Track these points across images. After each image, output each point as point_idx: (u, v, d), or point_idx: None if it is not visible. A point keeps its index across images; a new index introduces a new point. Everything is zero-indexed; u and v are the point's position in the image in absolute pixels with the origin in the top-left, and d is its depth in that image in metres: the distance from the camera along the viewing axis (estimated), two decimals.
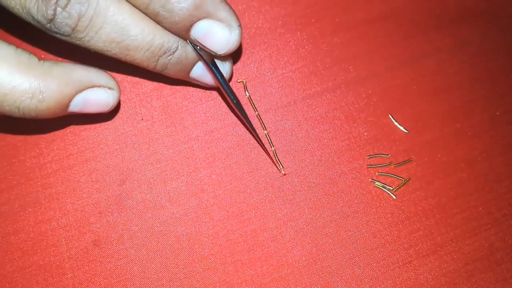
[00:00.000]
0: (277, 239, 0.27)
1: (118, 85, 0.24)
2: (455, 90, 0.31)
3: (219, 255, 0.27)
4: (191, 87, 0.30)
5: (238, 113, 0.27)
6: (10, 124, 0.28)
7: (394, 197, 0.28)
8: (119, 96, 0.24)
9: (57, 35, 0.21)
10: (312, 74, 0.31)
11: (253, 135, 0.29)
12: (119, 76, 0.30)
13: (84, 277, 0.26)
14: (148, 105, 0.29)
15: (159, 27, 0.22)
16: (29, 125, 0.28)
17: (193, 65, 0.25)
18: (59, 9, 0.20)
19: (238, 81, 0.30)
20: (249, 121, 0.26)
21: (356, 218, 0.28)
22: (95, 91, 0.23)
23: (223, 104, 0.30)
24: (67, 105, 0.22)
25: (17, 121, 0.28)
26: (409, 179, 0.29)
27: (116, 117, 0.29)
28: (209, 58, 0.25)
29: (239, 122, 0.29)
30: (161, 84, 0.30)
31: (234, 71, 0.30)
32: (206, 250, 0.27)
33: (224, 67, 0.26)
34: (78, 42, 0.21)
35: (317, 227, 0.27)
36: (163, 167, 0.28)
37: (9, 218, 0.27)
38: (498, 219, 0.29)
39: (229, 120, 0.29)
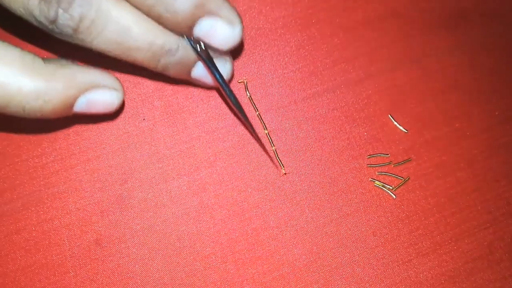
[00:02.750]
0: (277, 238, 0.27)
1: (122, 86, 0.25)
2: (454, 90, 0.31)
3: (220, 253, 0.27)
4: (193, 88, 0.30)
5: (238, 114, 0.27)
6: (13, 123, 0.29)
7: (394, 196, 0.29)
8: (123, 97, 0.25)
9: (60, 36, 0.21)
10: (313, 75, 0.31)
11: (253, 136, 0.29)
12: (121, 76, 0.30)
13: (86, 276, 0.26)
14: (150, 105, 0.29)
15: (160, 27, 0.22)
16: (32, 124, 0.28)
17: (194, 65, 0.25)
18: (61, 11, 0.20)
19: (239, 81, 0.30)
20: (249, 121, 0.27)
21: (356, 217, 0.28)
22: (99, 91, 0.23)
23: (224, 104, 0.30)
24: (72, 106, 0.23)
25: (21, 120, 0.29)
26: (409, 178, 0.29)
27: (118, 117, 0.29)
28: (209, 58, 0.25)
29: (239, 122, 0.29)
30: (162, 84, 0.30)
31: (235, 71, 0.31)
32: (207, 249, 0.27)
33: (225, 68, 0.27)
34: (80, 43, 0.22)
35: (318, 226, 0.28)
36: (164, 166, 0.28)
37: (12, 217, 0.27)
38: (497, 218, 0.29)
39: (230, 120, 0.30)
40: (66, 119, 0.24)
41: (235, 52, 0.31)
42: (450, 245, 0.28)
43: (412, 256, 0.28)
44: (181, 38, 0.23)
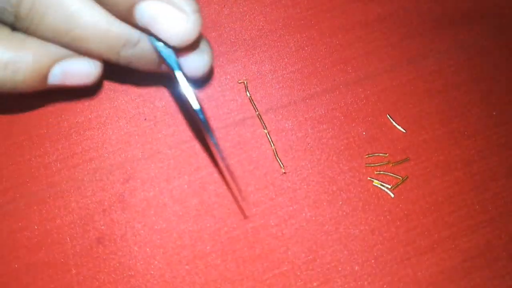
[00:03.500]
0: (277, 236, 0.28)
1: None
2: (452, 91, 0.32)
3: (221, 252, 0.27)
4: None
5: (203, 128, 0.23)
6: (16, 123, 0.29)
7: (392, 195, 0.29)
8: (102, 67, 0.22)
9: (5, 24, 0.20)
10: (312, 75, 0.31)
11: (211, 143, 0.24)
12: (122, 77, 0.30)
13: (88, 274, 0.26)
14: (151, 105, 0.30)
15: (112, 16, 0.20)
16: (34, 124, 0.29)
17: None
18: None
19: (239, 81, 0.31)
20: (213, 135, 0.23)
21: (355, 215, 0.28)
22: (75, 61, 0.21)
23: (225, 104, 0.30)
24: (45, 77, 0.21)
25: (23, 120, 0.29)
26: (407, 177, 0.29)
27: (119, 117, 0.29)
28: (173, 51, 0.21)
29: (240, 122, 0.30)
30: (163, 84, 0.30)
31: (235, 71, 0.31)
32: (208, 247, 0.27)
33: (202, 59, 0.22)
34: (26, 31, 0.20)
35: (317, 224, 0.28)
36: (165, 166, 0.29)
37: (15, 216, 0.27)
38: (495, 217, 0.29)
39: (230, 120, 0.30)
40: (46, 96, 0.23)
41: (235, 54, 0.31)
42: (448, 243, 0.28)
43: (410, 255, 0.28)
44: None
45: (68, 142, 0.29)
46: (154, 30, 0.19)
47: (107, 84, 0.30)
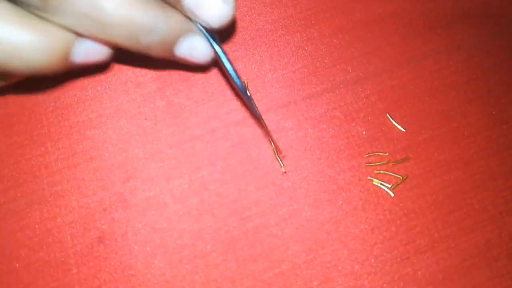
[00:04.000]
0: (277, 236, 0.28)
1: None
2: (452, 90, 0.32)
3: (221, 251, 0.27)
4: (194, 88, 0.30)
5: (240, 93, 0.26)
6: (16, 122, 0.29)
7: (392, 194, 0.29)
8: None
9: (30, 10, 0.20)
10: (312, 75, 0.31)
11: (255, 116, 0.28)
12: (123, 77, 0.30)
13: (89, 273, 0.26)
14: (152, 105, 0.30)
15: (138, 3, 0.21)
16: (35, 124, 0.29)
17: (177, 40, 0.23)
18: None
19: None
20: (250, 96, 0.26)
21: (355, 215, 0.28)
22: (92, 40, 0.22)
23: (225, 104, 0.30)
24: (69, 55, 0.22)
25: (24, 119, 0.29)
26: (407, 177, 0.29)
27: (120, 116, 0.30)
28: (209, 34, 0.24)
29: (240, 121, 0.30)
30: (164, 84, 0.30)
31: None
32: (208, 247, 0.27)
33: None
34: (52, 17, 0.20)
35: (317, 223, 0.28)
36: (166, 165, 0.29)
37: (15, 215, 0.27)
38: (494, 216, 0.29)
39: (230, 119, 0.30)
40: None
41: (235, 53, 0.31)
42: (447, 243, 0.28)
43: (410, 254, 0.28)
44: (161, 13, 0.22)
45: (68, 142, 0.29)
46: (199, 13, 0.22)
47: (107, 84, 0.30)
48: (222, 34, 0.32)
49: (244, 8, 0.32)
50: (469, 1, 0.34)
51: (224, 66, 0.25)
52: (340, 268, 0.27)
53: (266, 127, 0.28)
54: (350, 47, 0.32)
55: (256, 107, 0.30)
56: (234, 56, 0.31)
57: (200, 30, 0.24)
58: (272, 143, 0.29)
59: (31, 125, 0.29)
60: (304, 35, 0.32)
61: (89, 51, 0.23)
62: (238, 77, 0.25)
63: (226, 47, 0.31)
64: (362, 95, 0.31)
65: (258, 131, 0.30)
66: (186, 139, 0.29)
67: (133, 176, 0.28)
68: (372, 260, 0.28)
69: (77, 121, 0.29)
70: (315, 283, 0.27)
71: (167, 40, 0.23)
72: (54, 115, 0.29)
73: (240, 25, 0.32)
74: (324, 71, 0.31)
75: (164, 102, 0.30)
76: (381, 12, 0.33)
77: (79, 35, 0.22)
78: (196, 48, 0.24)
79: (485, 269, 0.28)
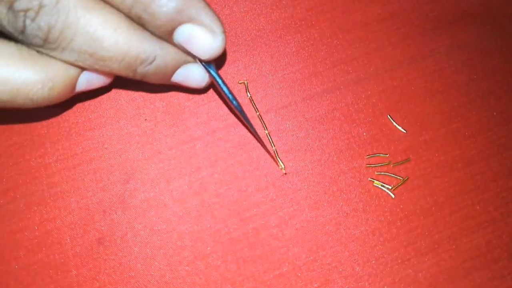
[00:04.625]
0: (278, 237, 0.28)
1: None
2: (453, 91, 0.32)
3: (221, 252, 0.27)
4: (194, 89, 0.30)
5: (238, 114, 0.27)
6: (16, 123, 0.29)
7: (393, 195, 0.29)
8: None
9: (32, 47, 0.21)
10: (312, 75, 0.31)
11: (253, 135, 0.29)
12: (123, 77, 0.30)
13: (89, 275, 0.26)
14: (152, 105, 0.30)
15: (134, 36, 0.22)
16: (34, 125, 0.29)
17: (174, 72, 0.25)
18: (28, 21, 0.20)
19: (239, 82, 0.31)
20: (248, 119, 0.27)
21: (356, 216, 0.28)
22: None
23: (225, 104, 0.30)
24: (74, 86, 0.23)
25: (23, 120, 0.29)
26: (408, 178, 0.29)
27: (120, 117, 0.29)
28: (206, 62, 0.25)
29: (240, 122, 0.30)
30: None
31: (235, 72, 0.31)
32: (208, 248, 0.27)
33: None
34: (52, 53, 0.21)
35: (317, 225, 0.28)
36: (166, 166, 0.29)
37: (15, 217, 0.27)
38: (495, 218, 0.29)
39: (231, 120, 0.30)
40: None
41: (235, 54, 0.31)
42: (448, 244, 0.28)
43: (411, 255, 0.28)
44: (157, 46, 0.23)
45: (68, 143, 0.29)
46: (189, 47, 0.23)
47: None
48: None
49: (244, 8, 0.32)
50: (470, 1, 0.34)
51: (221, 89, 0.26)
52: (340, 269, 0.27)
53: (265, 147, 0.29)
54: (350, 47, 0.32)
55: (257, 109, 0.30)
56: (234, 57, 0.31)
57: (196, 59, 0.24)
58: (273, 145, 0.29)
59: (31, 126, 0.29)
60: (305, 35, 0.32)
61: (91, 81, 0.24)
62: (235, 99, 0.26)
63: (226, 48, 0.31)
64: (363, 96, 0.31)
65: (259, 131, 0.30)
66: (186, 140, 0.29)
67: (133, 177, 0.28)
68: (373, 261, 0.27)
69: (76, 122, 0.29)
70: (316, 284, 0.27)
71: (163, 70, 0.24)
72: (54, 116, 0.29)
73: (240, 26, 0.32)
74: (324, 72, 0.31)
75: (164, 103, 0.30)
76: (381, 12, 0.33)
77: (81, 68, 0.23)
78: (191, 75, 0.25)
79: (486, 270, 0.28)
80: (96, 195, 0.28)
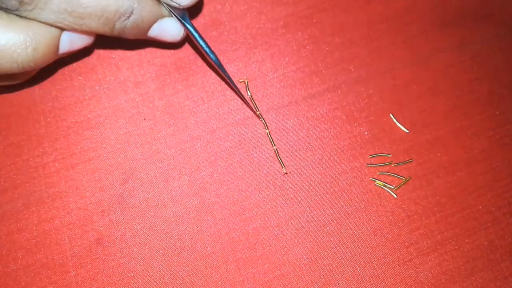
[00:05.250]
0: (278, 237, 0.27)
1: None
2: (455, 90, 0.31)
3: (221, 253, 0.27)
4: (194, 87, 0.30)
5: (216, 68, 0.28)
6: (14, 123, 0.29)
7: (395, 196, 0.29)
8: None
9: (10, 11, 0.21)
10: (314, 74, 0.31)
11: (234, 91, 0.29)
12: (122, 76, 0.30)
13: (87, 275, 0.26)
14: (151, 105, 0.29)
15: None
16: (32, 124, 0.29)
17: (150, 26, 0.25)
18: None
19: (240, 80, 0.30)
20: (227, 72, 0.27)
21: (357, 216, 0.28)
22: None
23: (225, 104, 0.30)
24: (57, 47, 0.23)
25: (21, 120, 0.29)
26: (410, 178, 0.29)
27: (118, 116, 0.29)
28: (180, 14, 0.26)
29: (241, 121, 0.30)
30: (163, 84, 0.30)
31: (236, 71, 0.31)
32: (208, 248, 0.27)
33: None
34: (30, 15, 0.22)
35: (318, 225, 0.28)
36: (165, 166, 0.28)
37: (13, 217, 0.27)
38: (498, 218, 0.29)
39: (230, 119, 0.30)
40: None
41: (235, 53, 0.31)
42: (450, 244, 0.28)
43: (413, 256, 0.28)
44: (136, 1, 0.23)
45: (66, 142, 0.28)
46: None
47: (105, 83, 0.30)
48: (221, 34, 0.31)
49: (245, 6, 0.32)
50: (473, 0, 0.34)
51: (198, 43, 0.26)
52: (341, 270, 0.27)
53: (242, 95, 0.29)
54: (352, 46, 0.32)
55: (257, 108, 0.30)
56: (234, 55, 0.31)
57: (170, 12, 0.25)
58: (274, 144, 0.29)
59: (29, 125, 0.29)
60: (306, 34, 0.32)
61: (73, 41, 0.24)
62: (212, 52, 0.26)
63: (227, 46, 0.31)
64: (365, 95, 0.31)
65: (259, 131, 0.29)
66: (185, 140, 0.29)
67: (132, 177, 0.28)
68: (374, 262, 0.27)
69: (75, 122, 0.29)
70: (316, 285, 0.27)
71: (140, 25, 0.24)
72: (52, 116, 0.29)
73: (240, 24, 0.32)
74: (325, 71, 0.31)
75: (163, 102, 0.30)
76: (383, 11, 0.33)
77: (61, 28, 0.23)
78: (167, 29, 0.26)
79: (488, 271, 0.28)
80: (94, 195, 0.27)
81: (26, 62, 0.22)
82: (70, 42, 0.24)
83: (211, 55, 0.26)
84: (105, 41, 0.31)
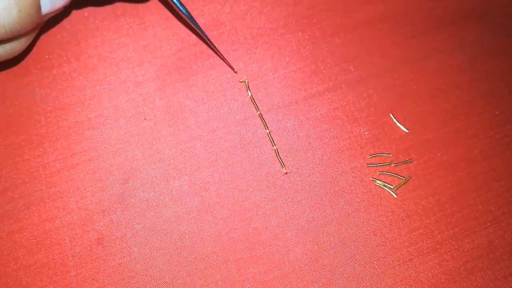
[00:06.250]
0: (278, 237, 0.27)
1: None
2: (455, 90, 0.31)
3: (221, 253, 0.27)
4: (194, 87, 0.30)
5: (187, 20, 0.29)
6: (14, 123, 0.29)
7: (395, 195, 0.29)
8: None
9: None
10: (314, 74, 0.31)
11: (205, 42, 0.30)
12: (122, 77, 0.30)
13: (88, 275, 0.26)
14: (151, 105, 0.30)
15: None
16: (33, 124, 0.29)
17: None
18: None
19: (240, 80, 0.30)
20: (197, 23, 0.28)
21: (357, 216, 0.28)
22: None
23: (225, 104, 0.30)
24: (39, 6, 0.24)
25: (22, 119, 0.29)
26: (410, 178, 0.29)
27: (119, 116, 0.29)
28: None
29: (241, 121, 0.30)
30: (164, 84, 0.30)
31: (236, 71, 0.31)
32: (209, 248, 0.27)
33: None
34: None
35: (318, 225, 0.28)
36: (165, 166, 0.28)
37: (14, 217, 0.27)
38: (497, 217, 0.29)
39: (231, 119, 0.30)
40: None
41: (236, 53, 0.31)
42: (450, 244, 0.28)
43: (413, 255, 0.28)
44: None
45: (67, 142, 0.28)
46: None
47: (106, 83, 0.30)
48: (222, 34, 0.31)
49: (245, 7, 0.32)
50: (472, 0, 0.34)
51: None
52: (341, 270, 0.27)
53: (217, 49, 0.30)
54: (352, 46, 0.32)
55: (258, 108, 0.30)
56: (235, 55, 0.31)
57: None
58: (274, 144, 0.29)
59: (30, 125, 0.29)
60: (306, 34, 0.32)
61: (53, 0, 0.25)
62: (181, 4, 0.28)
63: (227, 46, 0.31)
64: (365, 95, 0.31)
65: (259, 131, 0.29)
66: (186, 140, 0.29)
67: (132, 177, 0.28)
68: (374, 262, 0.27)
69: (75, 122, 0.29)
70: (316, 285, 0.27)
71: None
72: (53, 116, 0.29)
73: (241, 24, 0.32)
74: (325, 71, 0.31)
75: (163, 102, 0.30)
76: (383, 11, 0.33)
77: None
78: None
79: (488, 270, 0.28)
80: (95, 195, 0.27)
81: (13, 25, 0.23)
82: (50, 2, 0.25)
83: (182, 8, 0.28)
84: (106, 40, 0.31)
